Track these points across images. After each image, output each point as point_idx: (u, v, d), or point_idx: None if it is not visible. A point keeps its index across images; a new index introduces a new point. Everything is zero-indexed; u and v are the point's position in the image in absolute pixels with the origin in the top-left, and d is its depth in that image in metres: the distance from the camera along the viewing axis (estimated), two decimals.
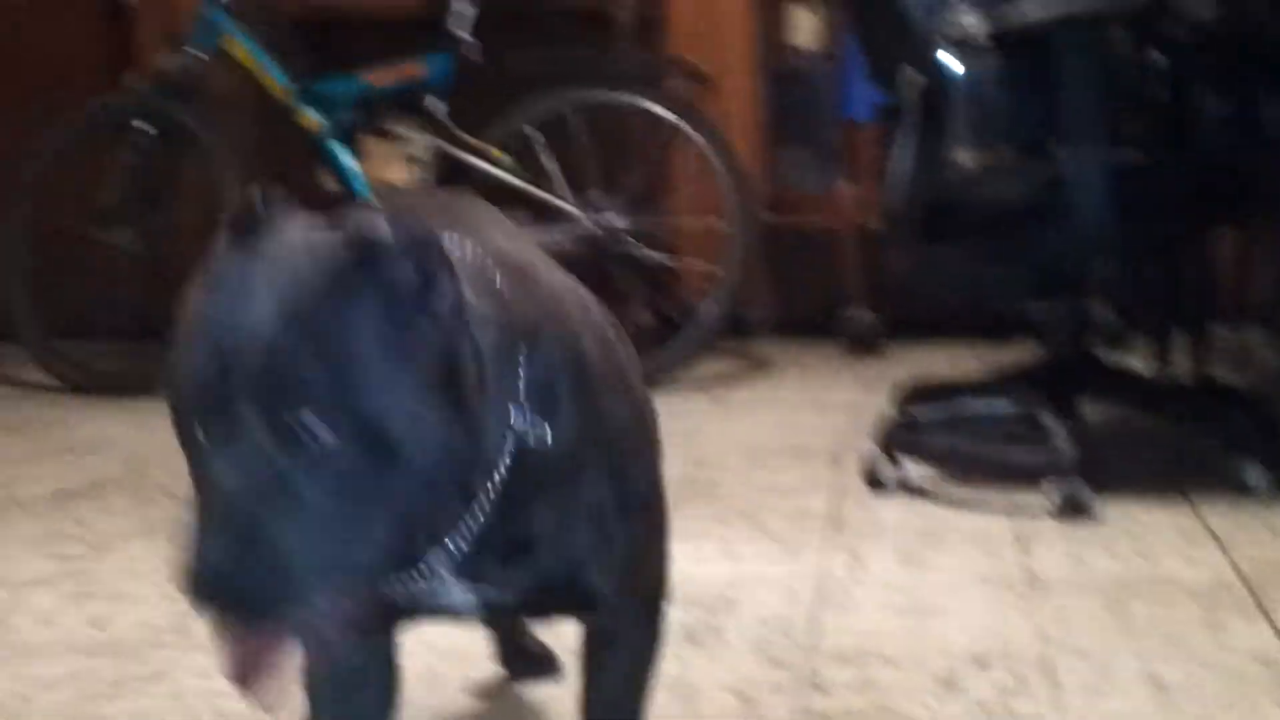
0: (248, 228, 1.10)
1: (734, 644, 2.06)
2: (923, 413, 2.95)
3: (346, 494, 1.03)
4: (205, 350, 1.05)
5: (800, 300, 4.71)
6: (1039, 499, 2.64)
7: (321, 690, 1.35)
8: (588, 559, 1.27)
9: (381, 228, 1.07)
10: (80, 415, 3.80)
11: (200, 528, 1.02)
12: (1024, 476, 2.73)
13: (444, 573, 1.18)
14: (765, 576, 2.35)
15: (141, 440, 3.43)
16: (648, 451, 1.36)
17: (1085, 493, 2.59)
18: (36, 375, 4.15)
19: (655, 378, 3.99)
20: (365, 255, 1.06)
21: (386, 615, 1.28)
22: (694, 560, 2.44)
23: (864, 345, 4.40)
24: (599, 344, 1.30)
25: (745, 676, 1.94)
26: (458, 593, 1.23)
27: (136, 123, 4.06)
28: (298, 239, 1.09)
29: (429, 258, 1.07)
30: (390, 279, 1.05)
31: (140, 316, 4.24)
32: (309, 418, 1.01)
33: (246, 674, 1.07)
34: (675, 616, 2.15)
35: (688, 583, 2.30)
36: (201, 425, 1.04)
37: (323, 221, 1.11)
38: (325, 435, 1.02)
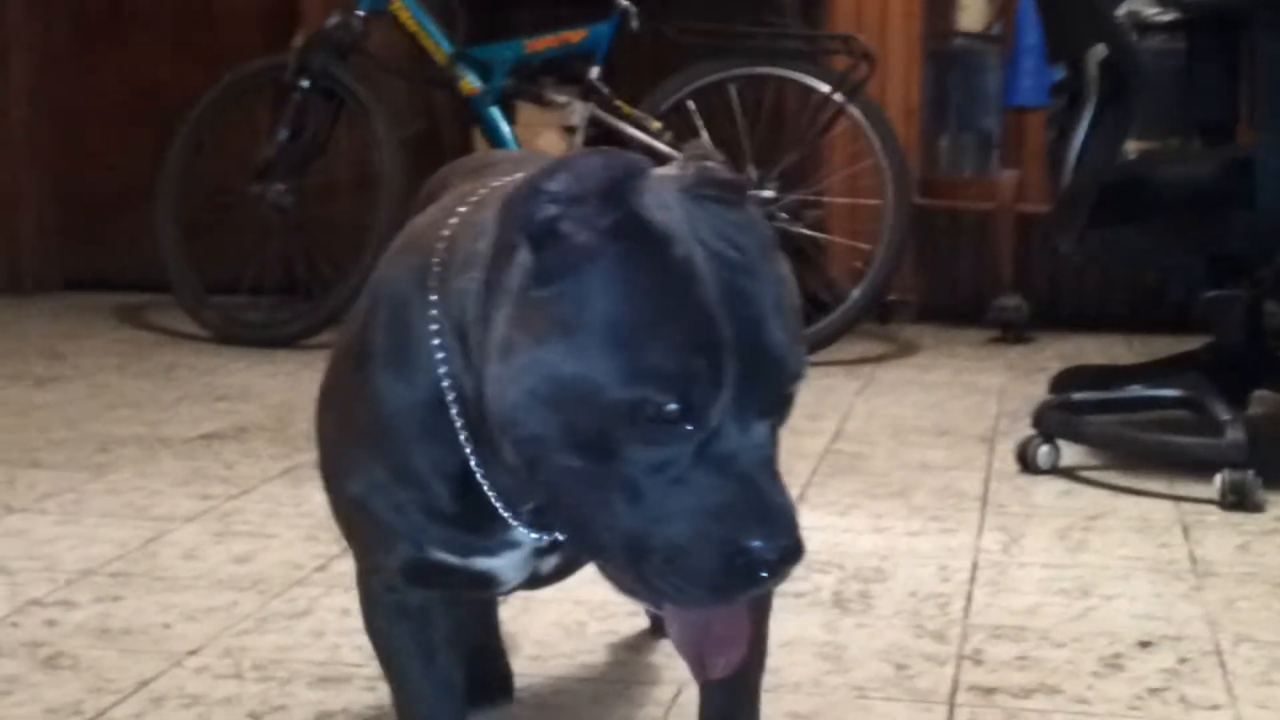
0: (701, 182, 1.06)
1: (886, 614, 1.99)
2: (1080, 396, 2.86)
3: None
4: (755, 320, 1.01)
5: (950, 286, 4.62)
6: (1205, 488, 2.53)
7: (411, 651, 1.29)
8: None
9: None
10: (228, 365, 3.83)
11: (754, 507, 1.00)
12: (1189, 464, 2.63)
13: None
14: (917, 550, 2.28)
15: (285, 390, 3.44)
16: None
17: (1255, 484, 2.48)
18: (188, 325, 4.20)
19: None
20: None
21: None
22: (842, 531, 2.38)
23: (1014, 332, 4.29)
24: None
25: (899, 645, 1.87)
26: None
27: (298, 80, 4.08)
28: (710, 189, 1.06)
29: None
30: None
31: (288, 272, 4.29)
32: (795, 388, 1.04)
33: (725, 648, 1.06)
34: (824, 583, 2.10)
35: (837, 552, 2.25)
36: (744, 398, 1.00)
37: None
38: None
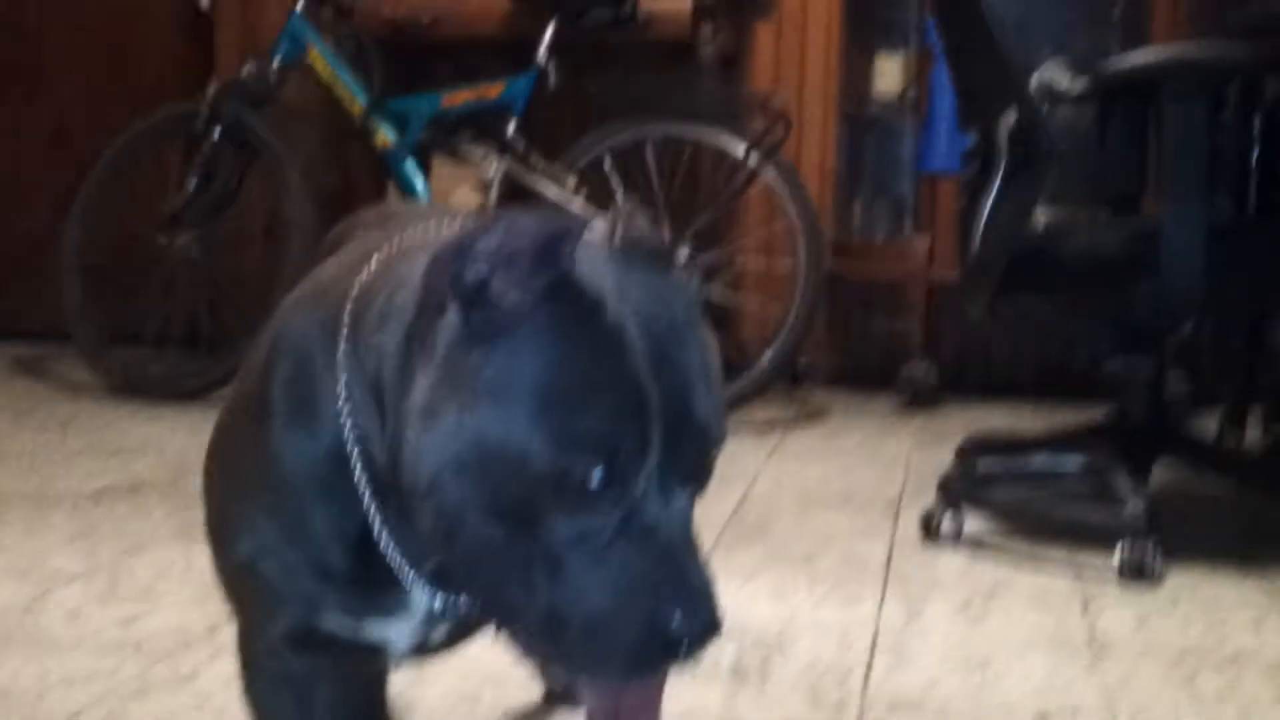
0: (630, 245, 1.04)
1: (785, 685, 1.96)
2: (986, 465, 2.86)
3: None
4: (681, 387, 0.99)
5: (861, 351, 4.63)
6: (1105, 560, 2.53)
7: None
8: None
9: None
10: (127, 418, 3.76)
11: (674, 580, 0.97)
12: (1090, 536, 2.63)
13: None
14: (818, 621, 2.26)
15: (183, 444, 3.38)
16: None
17: (1154, 556, 2.48)
18: (86, 376, 4.12)
19: None
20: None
21: None
22: (745, 599, 2.36)
23: (922, 399, 4.31)
24: None
25: (797, 717, 1.85)
26: None
27: (210, 130, 4.03)
28: (639, 253, 1.04)
29: None
30: None
31: (195, 323, 4.23)
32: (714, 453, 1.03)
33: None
34: (724, 652, 2.07)
35: (737, 621, 2.23)
36: (668, 466, 0.98)
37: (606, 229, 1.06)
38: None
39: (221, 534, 1.19)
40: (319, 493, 1.11)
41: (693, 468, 1.01)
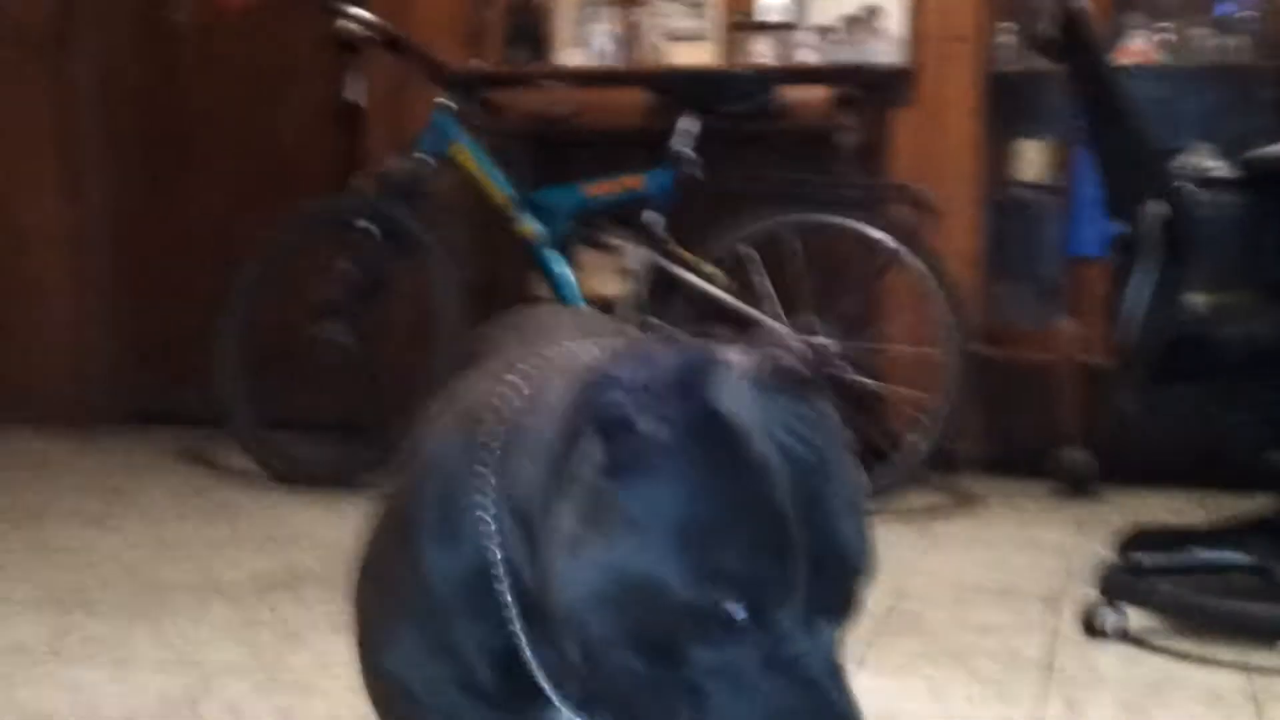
0: (774, 375, 1.03)
1: None
2: (1147, 559, 2.79)
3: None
4: (827, 521, 0.98)
5: (1012, 437, 4.56)
6: (1274, 657, 2.46)
7: None
8: None
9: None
10: (284, 505, 3.82)
11: (820, 713, 0.96)
12: (1258, 632, 2.55)
13: None
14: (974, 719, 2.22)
15: (340, 533, 3.43)
16: None
17: None
18: (244, 463, 4.21)
19: None
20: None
21: None
22: (899, 697, 2.33)
23: (1078, 487, 4.22)
24: None
25: None
26: None
27: (360, 222, 4.12)
28: (783, 383, 1.03)
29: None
30: None
31: (348, 412, 4.30)
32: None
33: None
34: None
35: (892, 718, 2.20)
36: (814, 600, 0.97)
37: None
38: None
39: (370, 648, 1.21)
40: (464, 609, 1.12)
41: (838, 601, 1.00)
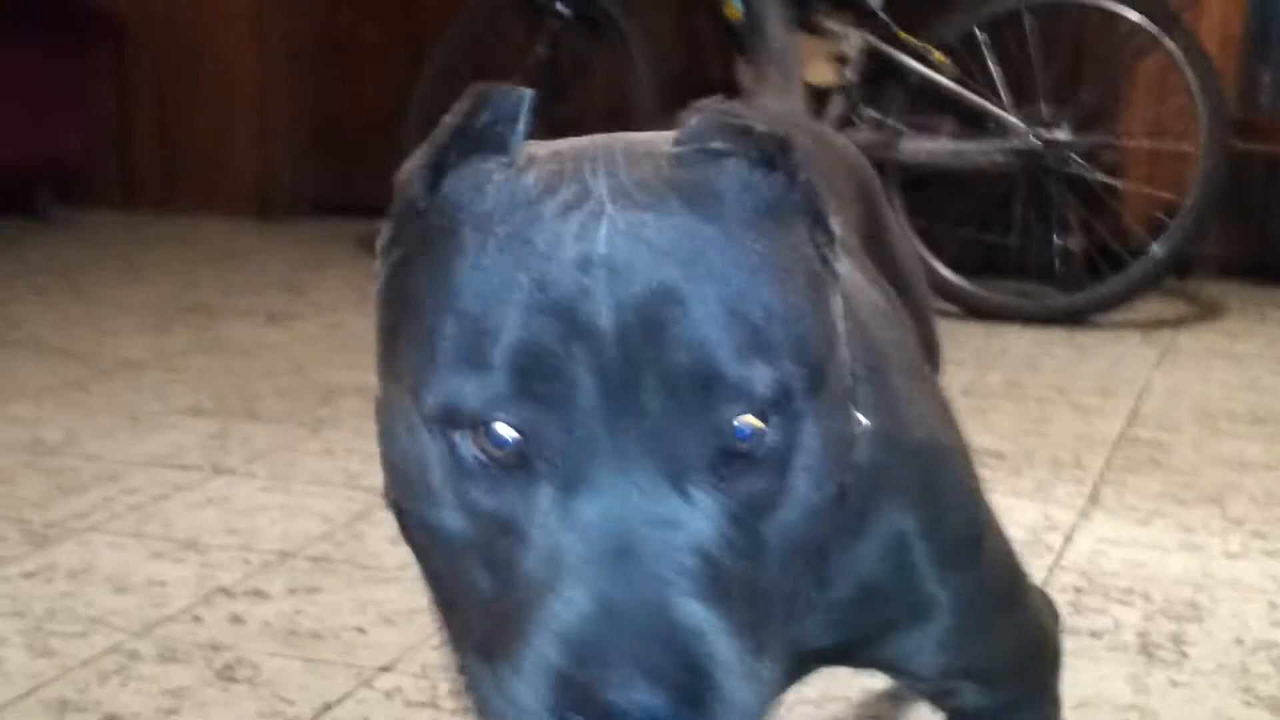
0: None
1: (1206, 668, 1.64)
2: None
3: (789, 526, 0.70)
4: (651, 299, 0.68)
5: (1265, 241, 4.14)
6: None
7: None
8: (894, 620, 0.89)
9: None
10: None
11: (627, 625, 0.64)
12: None
13: None
14: (1239, 580, 1.91)
15: None
16: (969, 484, 0.96)
17: None
18: None
19: (1089, 316, 3.55)
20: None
21: None
22: (1147, 547, 2.02)
23: None
24: (900, 349, 0.93)
25: (1223, 715, 1.53)
26: None
27: (556, 5, 3.84)
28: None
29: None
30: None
31: None
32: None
33: None
34: (1127, 619, 1.76)
35: (1140, 575, 1.91)
36: (627, 433, 0.67)
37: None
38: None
39: None
40: None
41: (692, 437, 0.67)
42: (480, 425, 0.68)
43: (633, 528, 0.65)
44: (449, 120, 0.74)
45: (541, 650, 0.65)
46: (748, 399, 0.67)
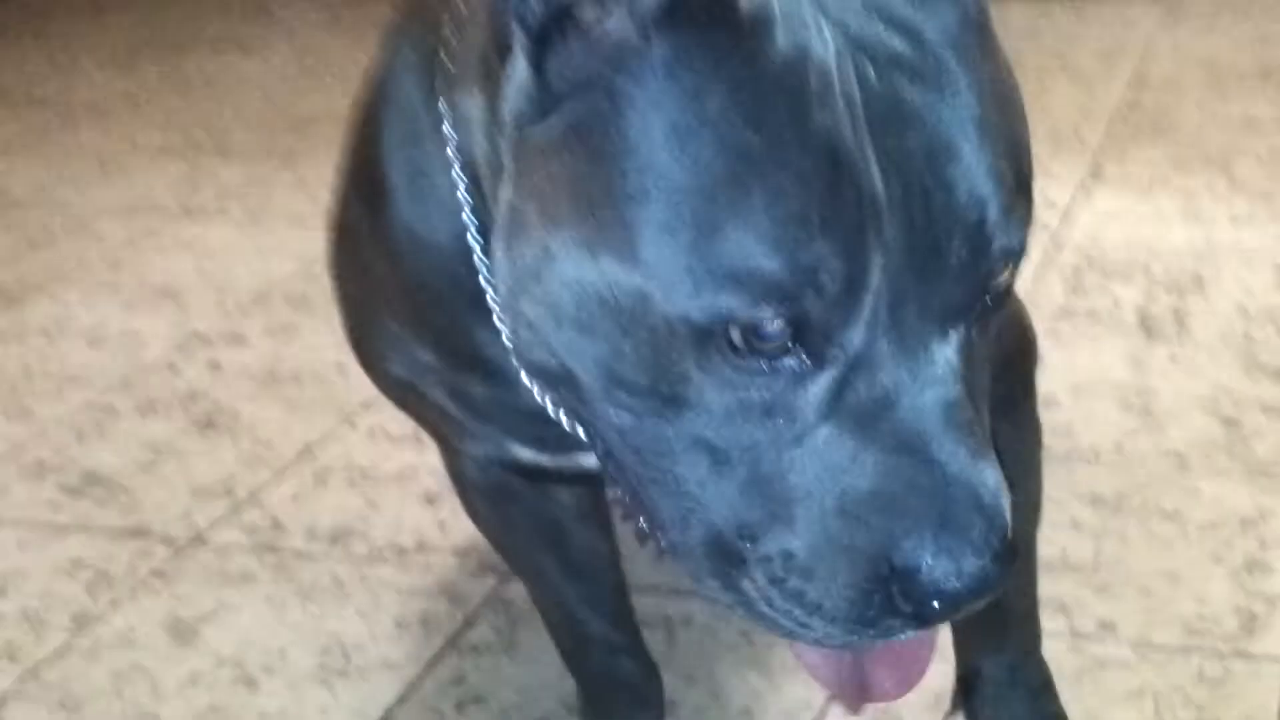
0: None
1: (1207, 340, 1.60)
2: None
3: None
4: (931, 166, 0.60)
5: None
6: None
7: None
8: None
9: None
10: None
11: (927, 490, 0.60)
12: None
13: None
14: (1243, 245, 1.86)
15: None
16: None
17: None
18: None
19: None
20: None
21: None
22: (1148, 219, 1.96)
23: None
24: None
25: (1227, 389, 1.49)
26: None
27: None
28: None
29: None
30: None
31: None
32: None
33: (891, 675, 0.70)
34: (1125, 296, 1.71)
35: (1141, 249, 1.85)
36: (913, 299, 0.60)
37: None
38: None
39: (365, 349, 0.90)
40: (454, 302, 0.77)
41: (959, 301, 0.61)
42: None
43: (921, 401, 0.61)
44: None
45: (882, 544, 0.60)
46: (1014, 257, 0.63)
